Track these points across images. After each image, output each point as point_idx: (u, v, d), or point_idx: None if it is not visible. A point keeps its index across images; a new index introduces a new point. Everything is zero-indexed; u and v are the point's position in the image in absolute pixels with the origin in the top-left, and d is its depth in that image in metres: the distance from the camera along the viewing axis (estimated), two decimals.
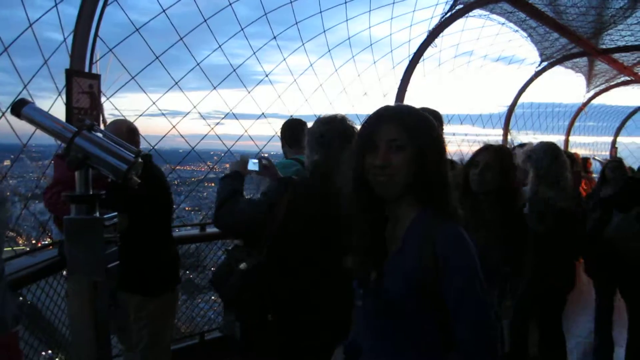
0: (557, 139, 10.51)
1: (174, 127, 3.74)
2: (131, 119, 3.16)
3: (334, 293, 1.87)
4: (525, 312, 2.86)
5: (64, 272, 2.47)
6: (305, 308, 1.75)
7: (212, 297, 3.85)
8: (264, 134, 4.59)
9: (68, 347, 2.60)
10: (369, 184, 1.17)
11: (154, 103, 3.59)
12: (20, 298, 2.48)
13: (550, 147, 2.73)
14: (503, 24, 6.21)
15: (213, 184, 1.99)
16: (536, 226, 2.39)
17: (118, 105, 3.37)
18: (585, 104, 10.39)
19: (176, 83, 3.68)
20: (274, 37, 4.24)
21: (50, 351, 2.78)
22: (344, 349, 1.36)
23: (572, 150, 9.57)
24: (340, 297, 1.93)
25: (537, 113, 9.84)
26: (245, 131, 4.24)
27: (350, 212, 1.23)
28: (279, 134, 2.97)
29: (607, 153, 12.47)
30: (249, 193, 2.16)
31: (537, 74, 8.08)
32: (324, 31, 4.70)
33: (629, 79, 9.29)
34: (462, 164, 2.30)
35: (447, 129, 7.28)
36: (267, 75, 4.35)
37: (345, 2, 4.58)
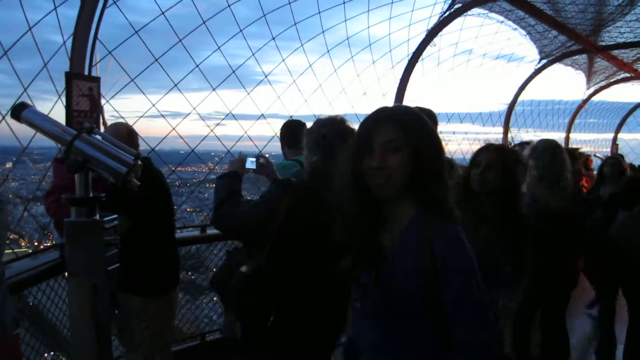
0: (558, 136, 10.50)
1: (173, 128, 3.75)
2: (132, 121, 3.19)
3: (333, 294, 1.88)
4: (527, 312, 2.85)
5: (66, 274, 2.48)
6: (305, 309, 1.76)
7: (214, 299, 3.86)
8: (264, 134, 4.60)
9: (70, 349, 2.61)
10: (366, 185, 1.17)
11: (153, 105, 3.60)
12: (28, 300, 2.50)
13: (549, 145, 2.71)
14: (502, 22, 6.21)
15: (214, 185, 2.00)
16: (537, 225, 2.38)
17: (119, 107, 3.37)
18: (585, 101, 10.38)
19: (175, 85, 3.69)
20: (273, 38, 4.25)
21: (52, 353, 2.80)
22: (343, 349, 1.37)
23: (574, 146, 9.56)
24: (339, 298, 1.94)
25: (537, 111, 9.84)
26: (245, 132, 4.25)
27: (348, 213, 1.24)
28: (278, 134, 2.98)
29: (608, 150, 12.45)
30: (248, 192, 2.17)
31: (537, 71, 8.08)
32: (323, 31, 4.71)
33: (628, 75, 9.28)
34: (459, 163, 2.30)
35: (447, 127, 7.33)
36: (266, 77, 4.36)
37: (344, 3, 4.59)
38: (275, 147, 3.51)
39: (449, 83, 6.93)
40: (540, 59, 7.80)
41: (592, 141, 12.65)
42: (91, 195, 1.50)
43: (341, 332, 1.94)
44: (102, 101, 3.02)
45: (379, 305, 1.19)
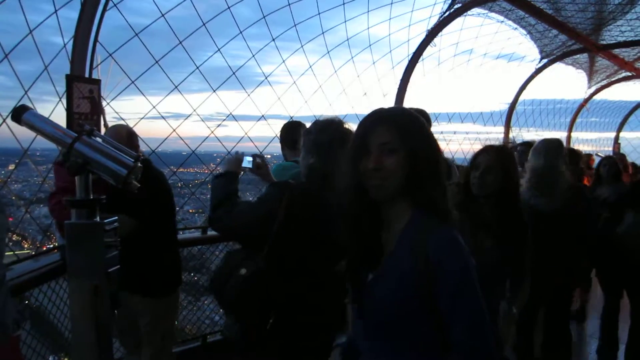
0: (560, 135, 10.46)
1: (174, 130, 3.75)
2: (133, 122, 3.21)
3: (331, 295, 1.88)
4: (528, 312, 2.85)
5: (66, 276, 2.49)
6: (304, 310, 1.76)
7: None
8: (265, 135, 4.61)
9: (71, 351, 2.62)
10: (363, 187, 1.17)
11: (154, 107, 3.61)
12: (26, 302, 2.50)
13: (544, 146, 2.70)
14: (502, 21, 6.21)
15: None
16: (535, 225, 2.38)
17: (121, 108, 3.39)
18: (586, 100, 10.36)
19: (176, 87, 3.70)
20: (273, 39, 4.26)
21: (54, 355, 2.80)
22: (342, 349, 1.37)
23: (575, 146, 9.55)
24: (338, 299, 1.95)
25: (538, 110, 9.81)
26: (246, 134, 4.26)
27: (348, 214, 1.24)
28: (279, 135, 2.99)
29: (610, 149, 12.43)
30: (245, 192, 2.16)
31: (538, 71, 8.07)
32: (323, 32, 4.72)
33: (630, 74, 9.26)
34: (460, 163, 2.29)
35: (448, 127, 7.34)
36: (266, 78, 4.37)
37: (344, 3, 4.59)
38: (276, 148, 3.52)
39: (450, 83, 6.94)
40: (541, 59, 7.79)
41: (594, 140, 12.65)
42: (91, 198, 1.50)
43: (340, 332, 1.95)
44: (103, 103, 3.03)
45: (377, 306, 1.19)
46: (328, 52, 4.85)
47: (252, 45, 4.19)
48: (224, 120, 4.28)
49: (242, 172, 2.09)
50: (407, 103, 5.75)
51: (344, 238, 1.27)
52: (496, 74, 7.84)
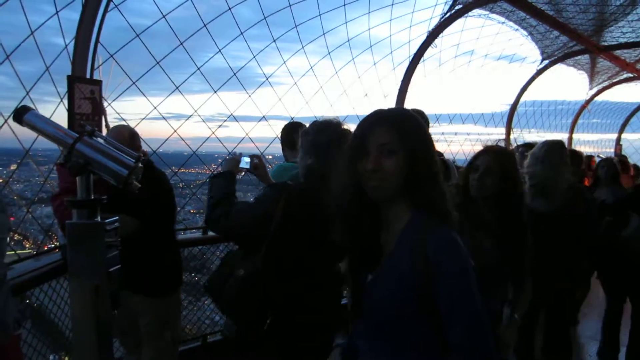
0: (561, 136, 10.47)
1: (175, 131, 3.76)
2: (135, 123, 3.22)
3: (329, 295, 1.89)
4: (529, 316, 2.83)
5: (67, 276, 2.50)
6: (302, 310, 1.77)
7: None
8: (266, 135, 4.62)
9: (72, 350, 2.63)
10: (362, 188, 1.18)
11: (155, 108, 3.62)
12: (27, 301, 2.51)
13: (543, 151, 2.69)
14: (503, 23, 6.21)
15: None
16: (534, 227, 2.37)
17: (122, 109, 3.41)
18: (588, 102, 10.35)
19: (177, 88, 3.71)
20: (274, 40, 4.27)
21: (55, 355, 2.81)
22: (342, 350, 1.37)
23: (577, 148, 9.53)
24: (336, 299, 1.95)
25: (539, 111, 9.80)
26: (247, 134, 4.27)
27: (347, 215, 1.24)
28: (280, 136, 2.99)
29: (612, 150, 12.40)
30: (246, 192, 2.17)
31: (539, 72, 8.07)
32: (324, 33, 4.72)
33: (631, 75, 9.25)
34: (461, 164, 2.28)
35: (449, 128, 7.34)
36: (267, 79, 4.38)
37: (345, 4, 4.60)
38: (277, 149, 3.53)
39: (451, 84, 6.94)
40: (542, 60, 7.78)
41: (595, 142, 12.63)
42: (92, 198, 1.51)
43: (338, 332, 1.95)
44: (104, 104, 3.04)
45: (376, 306, 1.19)
46: (329, 53, 4.87)
47: (253, 46, 4.21)
48: (225, 120, 4.30)
49: (240, 173, 2.09)
50: (408, 104, 5.76)
51: (343, 239, 1.27)
52: (497, 75, 7.87)
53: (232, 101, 4.27)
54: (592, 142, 12.50)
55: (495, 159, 2.03)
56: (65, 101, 2.81)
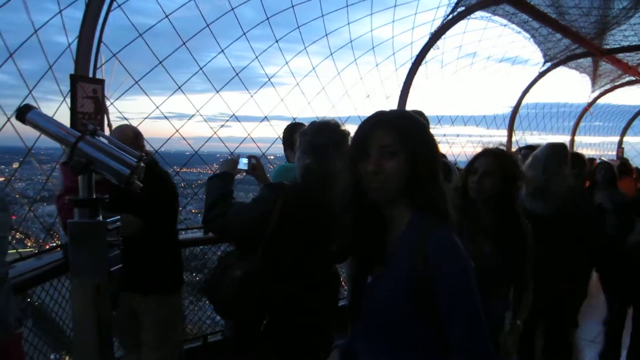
0: (563, 139, 10.47)
1: (177, 131, 3.77)
2: (137, 122, 3.23)
3: (326, 295, 1.89)
4: (530, 319, 2.81)
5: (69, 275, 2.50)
6: (299, 310, 1.77)
7: None
8: (268, 136, 4.63)
9: (73, 349, 2.63)
10: (363, 190, 1.18)
11: (157, 107, 3.62)
12: (28, 299, 2.52)
13: (544, 156, 2.68)
14: (505, 25, 6.20)
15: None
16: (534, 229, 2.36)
17: (125, 108, 3.40)
18: (590, 104, 10.33)
19: (179, 87, 3.71)
20: (277, 41, 4.27)
21: (56, 353, 2.81)
22: (341, 351, 1.37)
23: (579, 151, 9.52)
24: (333, 299, 1.95)
25: (542, 113, 9.80)
26: (249, 134, 4.28)
27: (349, 216, 1.25)
28: (282, 137, 3.00)
29: (614, 153, 12.39)
30: (248, 193, 2.17)
31: (541, 74, 8.06)
32: (326, 34, 4.72)
33: (633, 78, 9.24)
34: (458, 165, 2.26)
35: (450, 130, 7.34)
36: (269, 79, 4.38)
37: (347, 6, 4.61)
38: (279, 149, 3.54)
39: (453, 86, 6.94)
40: (545, 62, 7.78)
41: (597, 144, 12.61)
42: (94, 197, 1.51)
43: (335, 333, 1.95)
44: (107, 103, 3.05)
45: (376, 307, 1.19)
46: (331, 54, 4.87)
47: (255, 46, 4.22)
48: (227, 120, 4.31)
49: (238, 174, 2.10)
50: (410, 105, 5.76)
51: (343, 240, 1.27)
52: (499, 77, 7.84)
53: (234, 101, 4.28)
54: (594, 145, 12.49)
55: (494, 161, 2.01)
56: (68, 100, 2.82)
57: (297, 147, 1.90)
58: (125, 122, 3.27)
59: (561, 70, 8.17)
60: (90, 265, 1.48)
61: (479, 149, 2.13)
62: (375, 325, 1.22)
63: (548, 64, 7.84)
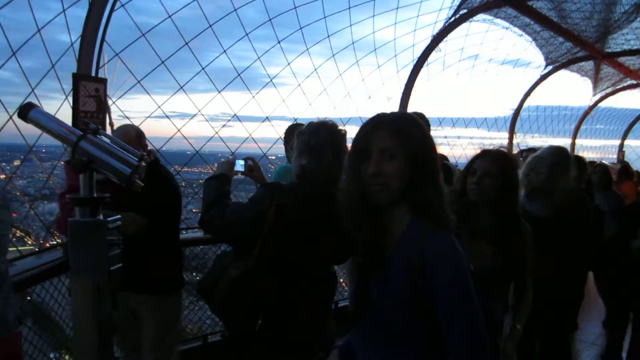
0: (564, 142, 10.47)
1: (178, 130, 3.78)
2: (139, 121, 3.23)
3: (322, 295, 1.89)
4: (529, 322, 2.81)
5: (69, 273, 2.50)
6: (294, 311, 1.77)
7: None
8: (269, 136, 4.64)
9: (72, 348, 2.63)
10: (363, 192, 1.18)
11: (159, 107, 3.63)
12: (28, 298, 2.52)
13: (545, 152, 2.66)
14: (507, 28, 6.21)
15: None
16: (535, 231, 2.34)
17: (128, 107, 3.41)
18: (591, 108, 10.34)
19: (181, 87, 3.72)
20: (279, 42, 4.28)
21: (55, 352, 2.82)
22: (340, 351, 1.38)
23: (580, 154, 9.52)
24: (328, 300, 1.95)
25: (543, 116, 9.80)
26: (250, 135, 4.28)
27: (350, 218, 1.25)
28: (283, 137, 3.00)
29: (615, 156, 12.39)
30: (249, 193, 2.17)
31: (543, 77, 8.06)
32: (328, 36, 4.73)
33: (635, 82, 9.25)
34: (459, 167, 2.24)
35: (452, 132, 7.34)
36: (271, 80, 4.38)
37: (350, 7, 4.61)
38: (280, 149, 3.54)
39: (454, 88, 6.94)
40: (546, 65, 7.78)
41: (598, 147, 12.62)
42: (95, 196, 1.52)
43: (334, 333, 1.96)
44: (109, 102, 3.06)
45: (375, 308, 1.20)
46: (333, 55, 4.87)
47: (257, 46, 4.22)
48: (229, 120, 4.32)
49: (234, 175, 2.10)
50: (412, 107, 5.77)
51: (343, 241, 1.28)
52: (501, 79, 7.84)
53: (236, 101, 4.29)
54: (595, 148, 12.51)
55: (493, 162, 1.96)
56: (70, 98, 2.83)
57: (294, 146, 1.91)
58: (127, 121, 3.28)
59: (563, 73, 8.18)
60: (90, 264, 1.47)
61: (479, 151, 2.10)
62: (375, 326, 1.22)
63: (550, 67, 7.84)
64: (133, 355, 2.70)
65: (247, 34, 4.01)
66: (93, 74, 2.93)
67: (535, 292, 2.22)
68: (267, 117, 4.45)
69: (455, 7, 5.19)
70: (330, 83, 4.94)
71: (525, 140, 8.99)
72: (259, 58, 4.21)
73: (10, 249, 2.01)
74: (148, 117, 3.68)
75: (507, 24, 6.12)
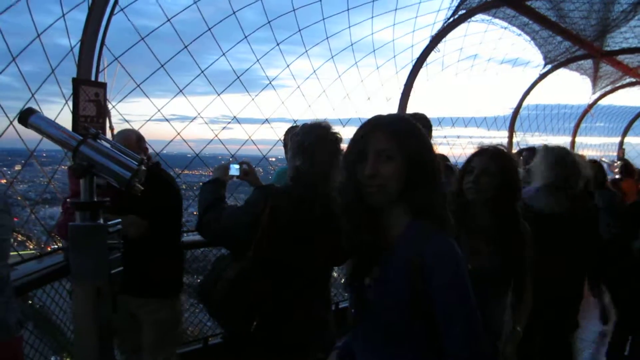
0: (564, 140, 10.47)
1: (178, 133, 3.79)
2: (140, 124, 3.25)
3: (317, 296, 1.90)
4: (530, 321, 2.79)
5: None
6: (289, 312, 1.78)
7: None
8: (269, 138, 4.64)
9: (73, 352, 2.64)
10: (361, 193, 1.18)
11: (159, 110, 3.65)
12: (29, 302, 2.53)
13: (558, 149, 2.63)
14: (506, 28, 6.21)
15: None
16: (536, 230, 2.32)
17: (128, 110, 3.42)
18: (591, 106, 10.33)
19: (180, 91, 3.73)
20: (278, 44, 4.29)
21: (56, 356, 2.82)
22: (339, 352, 1.38)
23: (580, 152, 9.52)
24: (324, 300, 1.96)
25: (542, 115, 9.80)
26: (249, 137, 4.29)
27: (347, 220, 1.25)
28: (282, 139, 3.01)
29: (615, 154, 12.38)
30: (245, 194, 2.18)
31: (542, 76, 8.06)
32: (327, 37, 4.73)
33: (634, 80, 9.25)
34: (458, 167, 2.21)
35: (451, 131, 7.34)
36: (270, 82, 4.39)
37: (348, 9, 4.62)
38: (280, 151, 3.55)
39: (454, 88, 6.95)
40: (545, 64, 7.78)
41: (598, 145, 12.61)
42: (95, 200, 1.52)
43: (332, 333, 1.96)
44: (109, 106, 3.07)
45: (374, 309, 1.20)
46: (332, 56, 4.88)
47: (257, 48, 4.23)
48: (229, 123, 4.33)
49: (229, 179, 2.12)
50: (411, 108, 5.77)
51: (344, 242, 1.28)
52: (500, 79, 7.84)
53: (235, 103, 4.30)
54: (595, 146, 12.49)
55: (492, 160, 1.91)
56: (70, 103, 2.84)
57: (288, 148, 1.92)
58: (127, 124, 3.29)
59: (562, 72, 8.18)
60: (91, 269, 1.48)
61: (477, 149, 2.07)
62: (374, 327, 1.23)
63: (549, 66, 7.84)
64: (133, 358, 2.70)
65: (246, 37, 4.02)
66: (93, 78, 2.94)
67: (538, 292, 2.19)
68: (266, 119, 4.46)
69: (453, 8, 5.20)
70: (329, 84, 4.95)
71: (525, 138, 8.99)
72: (258, 60, 4.23)
73: (11, 253, 2.02)
74: (148, 120, 3.69)
75: (505, 24, 6.12)
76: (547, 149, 2.74)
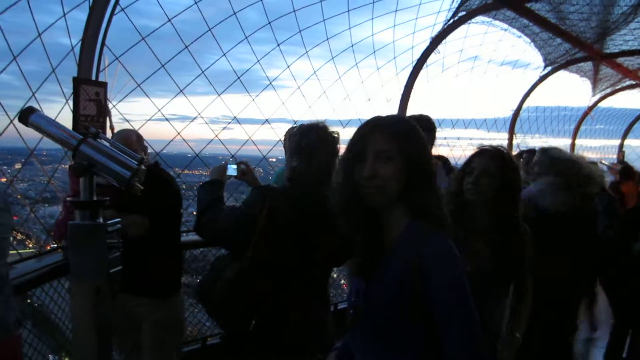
0: (564, 142, 10.49)
1: (178, 133, 3.79)
2: (140, 124, 3.25)
3: (314, 296, 1.90)
4: (530, 323, 2.79)
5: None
6: (287, 312, 1.78)
7: None
8: (269, 139, 4.64)
9: (72, 351, 2.64)
10: (359, 194, 1.18)
11: (159, 110, 3.65)
12: (28, 300, 2.53)
13: (570, 152, 2.68)
14: (506, 30, 6.21)
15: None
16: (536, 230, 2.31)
17: (129, 110, 3.42)
18: (591, 108, 10.34)
19: (181, 91, 3.73)
20: (278, 45, 4.30)
21: (55, 355, 2.82)
22: (338, 352, 1.38)
23: (580, 154, 9.51)
24: (321, 301, 1.96)
25: (542, 117, 9.80)
26: (250, 137, 4.29)
27: (343, 222, 1.25)
28: (282, 139, 3.01)
29: (615, 156, 12.38)
30: (246, 194, 2.19)
31: (542, 78, 8.07)
32: (328, 38, 4.73)
33: (633, 82, 9.26)
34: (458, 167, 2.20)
35: (451, 133, 7.35)
36: (270, 83, 4.39)
37: (349, 10, 4.63)
38: (280, 152, 3.55)
39: (454, 89, 6.95)
40: (545, 66, 7.78)
41: (598, 147, 12.61)
42: (95, 199, 1.53)
43: (331, 333, 1.97)
44: (109, 105, 3.07)
45: (372, 310, 1.20)
46: (332, 57, 4.88)
47: (257, 49, 4.23)
48: (229, 123, 4.33)
49: (227, 180, 2.12)
50: (411, 109, 5.77)
51: (340, 242, 1.29)
52: (500, 80, 7.85)
53: (235, 104, 4.30)
54: (595, 148, 12.49)
55: (492, 160, 1.91)
56: (71, 102, 2.84)
57: (286, 148, 1.93)
58: (127, 124, 3.30)
59: (562, 74, 8.19)
60: (90, 268, 1.48)
61: (477, 150, 2.06)
62: (372, 328, 1.23)
63: (549, 68, 7.85)
64: (132, 357, 2.70)
65: (246, 37, 4.02)
66: (93, 77, 2.94)
67: (538, 292, 2.18)
68: (267, 120, 4.46)
69: (453, 10, 5.20)
70: (329, 85, 4.96)
71: (525, 140, 9.00)
72: (258, 61, 4.23)
73: (10, 251, 2.02)
74: (148, 120, 3.70)
75: (505, 26, 6.13)
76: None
